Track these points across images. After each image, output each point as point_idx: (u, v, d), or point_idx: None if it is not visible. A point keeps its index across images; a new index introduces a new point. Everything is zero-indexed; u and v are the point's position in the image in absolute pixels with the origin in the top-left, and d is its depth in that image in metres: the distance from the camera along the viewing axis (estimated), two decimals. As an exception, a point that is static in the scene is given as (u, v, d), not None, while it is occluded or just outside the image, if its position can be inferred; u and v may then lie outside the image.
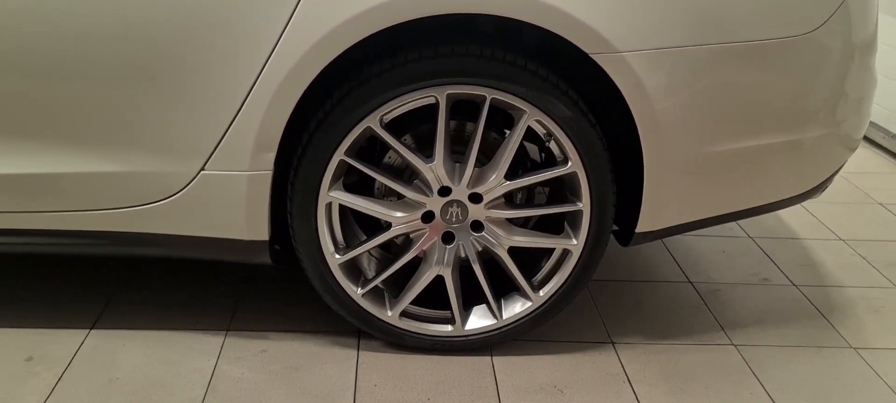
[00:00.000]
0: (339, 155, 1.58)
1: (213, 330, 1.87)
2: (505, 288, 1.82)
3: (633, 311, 2.08)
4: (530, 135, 1.66)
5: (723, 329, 2.02)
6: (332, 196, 1.63)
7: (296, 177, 1.61)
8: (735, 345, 1.95)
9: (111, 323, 1.88)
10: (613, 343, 1.92)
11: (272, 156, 1.56)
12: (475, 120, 1.59)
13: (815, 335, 2.02)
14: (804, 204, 2.85)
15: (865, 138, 3.67)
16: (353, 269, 1.77)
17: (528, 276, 1.78)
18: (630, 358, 1.86)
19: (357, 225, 1.82)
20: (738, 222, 2.67)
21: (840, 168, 1.94)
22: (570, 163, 1.64)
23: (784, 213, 2.77)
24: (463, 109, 1.68)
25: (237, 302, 2.00)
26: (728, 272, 2.32)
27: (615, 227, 1.88)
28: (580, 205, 1.68)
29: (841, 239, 2.59)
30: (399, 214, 1.68)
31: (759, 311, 2.12)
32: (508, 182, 1.66)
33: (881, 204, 2.93)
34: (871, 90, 1.84)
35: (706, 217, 1.79)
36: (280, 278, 2.11)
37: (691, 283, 2.24)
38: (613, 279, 2.24)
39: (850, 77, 1.74)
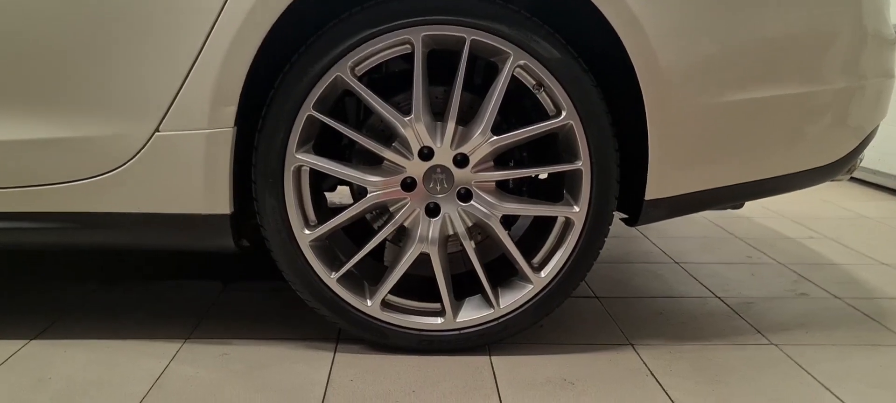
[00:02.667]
0: (307, 108, 1.44)
1: (171, 338, 1.63)
2: (502, 279, 1.60)
3: (654, 319, 1.81)
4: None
5: (760, 332, 1.74)
6: (300, 158, 1.46)
7: (261, 137, 1.46)
8: (776, 345, 1.67)
9: (57, 333, 1.65)
10: (632, 344, 1.65)
11: (233, 110, 1.42)
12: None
13: (869, 336, 1.74)
14: (837, 236, 2.62)
15: None
16: (328, 253, 1.56)
17: (528, 259, 1.56)
18: (653, 356, 1.59)
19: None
20: (766, 250, 2.43)
21: (866, 142, 1.75)
22: (563, 114, 1.47)
23: (816, 244, 2.53)
24: (447, 76, 1.55)
25: (201, 317, 1.77)
26: (761, 289, 2.06)
27: (624, 215, 1.69)
28: (579, 165, 1.50)
29: (884, 264, 2.33)
30: (375, 179, 1.50)
31: (800, 317, 1.85)
32: (495, 137, 1.49)
33: (923, 239, 2.68)
34: (891, 43, 1.69)
35: (720, 185, 1.58)
36: (249, 293, 1.90)
37: (719, 298, 1.98)
38: (630, 295, 1.99)
39: (863, 24, 1.60)
